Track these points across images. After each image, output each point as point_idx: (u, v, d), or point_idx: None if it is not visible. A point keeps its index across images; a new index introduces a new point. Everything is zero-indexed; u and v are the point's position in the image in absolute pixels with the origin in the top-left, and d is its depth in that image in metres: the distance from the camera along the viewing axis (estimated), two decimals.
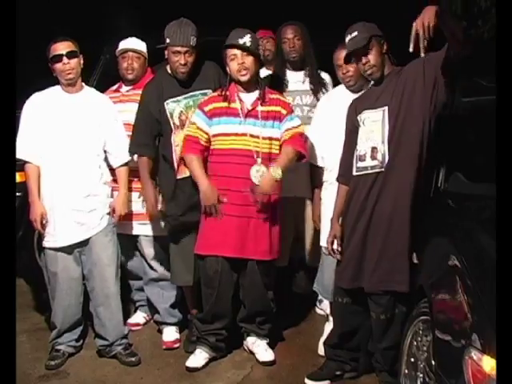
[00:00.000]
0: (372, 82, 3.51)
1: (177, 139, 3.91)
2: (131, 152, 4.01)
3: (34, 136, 3.83)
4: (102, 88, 4.28)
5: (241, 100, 3.79)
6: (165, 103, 3.91)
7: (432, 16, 2.95)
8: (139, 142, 3.97)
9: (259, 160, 3.74)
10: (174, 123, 3.92)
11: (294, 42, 4.33)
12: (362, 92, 3.68)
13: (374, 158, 3.36)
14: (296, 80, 4.39)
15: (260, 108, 3.78)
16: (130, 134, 4.08)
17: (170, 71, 3.95)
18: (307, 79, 4.39)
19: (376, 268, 3.35)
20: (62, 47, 3.81)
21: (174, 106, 3.92)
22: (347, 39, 3.39)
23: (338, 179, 3.64)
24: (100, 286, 3.96)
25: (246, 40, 3.70)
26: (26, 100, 3.91)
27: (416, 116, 3.28)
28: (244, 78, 3.73)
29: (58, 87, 3.91)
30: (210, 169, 3.82)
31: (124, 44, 4.37)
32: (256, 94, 3.80)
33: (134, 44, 4.35)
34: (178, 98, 3.92)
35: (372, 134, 3.38)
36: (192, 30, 3.81)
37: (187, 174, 3.89)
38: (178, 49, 3.78)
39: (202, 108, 3.80)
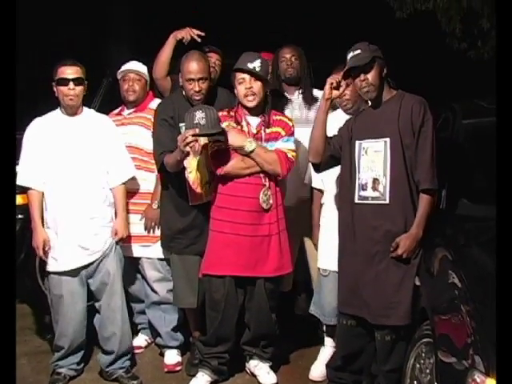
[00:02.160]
0: (369, 103, 3.51)
1: (189, 166, 3.74)
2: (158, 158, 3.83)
3: (35, 162, 3.83)
4: (105, 111, 4.29)
5: (248, 123, 3.79)
6: (180, 125, 3.82)
7: None
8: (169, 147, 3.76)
9: (267, 184, 3.75)
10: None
11: (291, 61, 4.39)
12: (359, 113, 3.62)
13: (375, 189, 3.36)
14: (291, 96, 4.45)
15: (264, 131, 3.79)
16: (133, 156, 4.10)
17: (184, 94, 3.90)
18: (301, 96, 4.45)
19: (376, 301, 3.33)
20: (69, 71, 3.80)
21: None
22: (349, 56, 3.39)
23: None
24: (107, 301, 3.95)
25: (256, 65, 3.68)
26: (29, 122, 3.91)
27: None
28: (251, 104, 3.73)
29: (57, 111, 3.92)
30: (220, 188, 3.80)
31: (125, 66, 4.42)
32: (261, 117, 3.80)
33: (135, 66, 4.40)
34: None
35: (373, 164, 3.38)
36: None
37: (200, 200, 3.87)
38: (192, 76, 3.77)
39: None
